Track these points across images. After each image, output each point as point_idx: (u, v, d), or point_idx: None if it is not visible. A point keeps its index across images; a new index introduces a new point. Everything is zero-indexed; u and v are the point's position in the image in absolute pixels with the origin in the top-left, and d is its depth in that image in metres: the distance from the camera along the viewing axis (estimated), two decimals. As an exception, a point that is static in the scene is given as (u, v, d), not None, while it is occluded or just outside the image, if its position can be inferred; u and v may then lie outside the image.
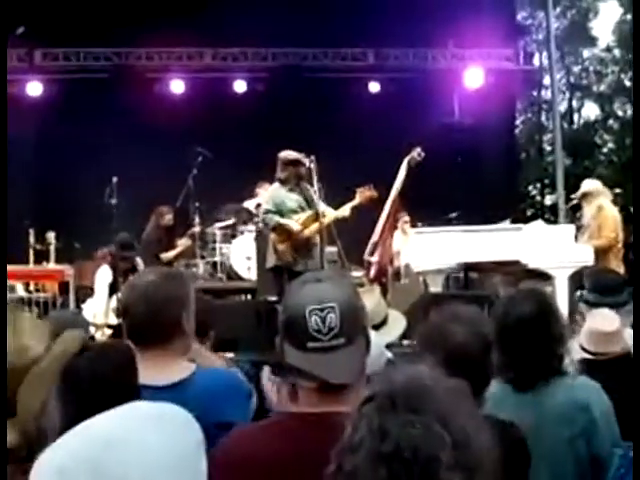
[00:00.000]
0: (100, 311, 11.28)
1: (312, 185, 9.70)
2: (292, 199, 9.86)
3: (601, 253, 10.74)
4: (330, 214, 9.79)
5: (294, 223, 9.75)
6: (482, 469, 1.73)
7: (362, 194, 9.88)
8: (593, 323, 4.85)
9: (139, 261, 11.43)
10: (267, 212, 10.04)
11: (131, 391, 2.63)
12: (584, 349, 4.74)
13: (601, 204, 11.36)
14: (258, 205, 13.89)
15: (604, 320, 4.84)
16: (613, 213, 11.42)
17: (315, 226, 9.67)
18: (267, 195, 10.46)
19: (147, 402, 1.82)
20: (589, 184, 11.90)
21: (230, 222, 14.36)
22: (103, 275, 11.64)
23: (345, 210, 9.82)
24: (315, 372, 2.47)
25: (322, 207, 9.74)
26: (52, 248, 13.45)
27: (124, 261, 11.24)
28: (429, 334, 3.34)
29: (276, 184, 10.05)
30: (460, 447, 1.71)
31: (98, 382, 2.50)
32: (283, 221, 9.80)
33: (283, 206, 9.86)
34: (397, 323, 4.45)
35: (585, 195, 11.68)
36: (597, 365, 4.62)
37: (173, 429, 1.80)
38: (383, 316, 4.77)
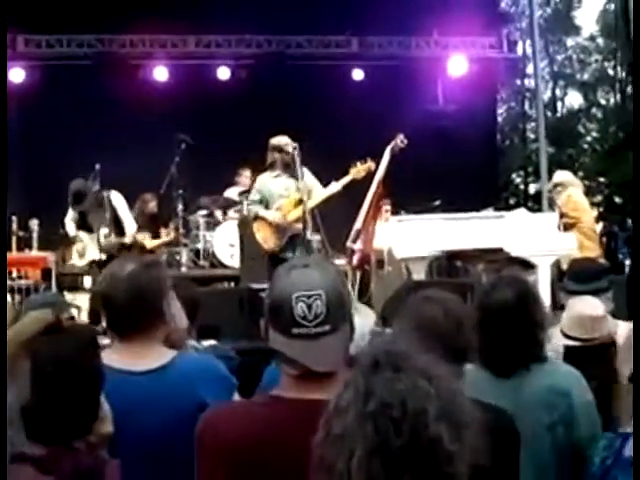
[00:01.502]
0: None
1: (295, 172, 9.73)
2: (279, 185, 9.92)
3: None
4: (318, 194, 9.82)
5: (272, 213, 9.85)
6: (467, 425, 1.77)
7: (357, 169, 9.92)
8: (578, 308, 4.81)
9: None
10: (250, 203, 10.25)
11: (94, 373, 2.63)
12: (568, 336, 4.72)
13: (570, 193, 11.60)
14: (242, 192, 13.93)
15: (588, 305, 4.84)
16: (580, 201, 11.77)
17: (298, 211, 9.70)
18: (255, 184, 10.48)
19: None
20: (560, 175, 12.24)
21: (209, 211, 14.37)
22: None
23: (336, 186, 9.85)
24: (298, 359, 2.49)
25: (318, 190, 9.81)
26: (35, 235, 13.43)
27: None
28: (402, 313, 3.37)
29: (265, 172, 10.12)
30: (445, 400, 1.76)
31: (61, 364, 2.49)
32: (262, 212, 9.90)
33: (269, 193, 9.93)
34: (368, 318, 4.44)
35: (556, 185, 11.95)
36: (583, 351, 4.61)
37: None
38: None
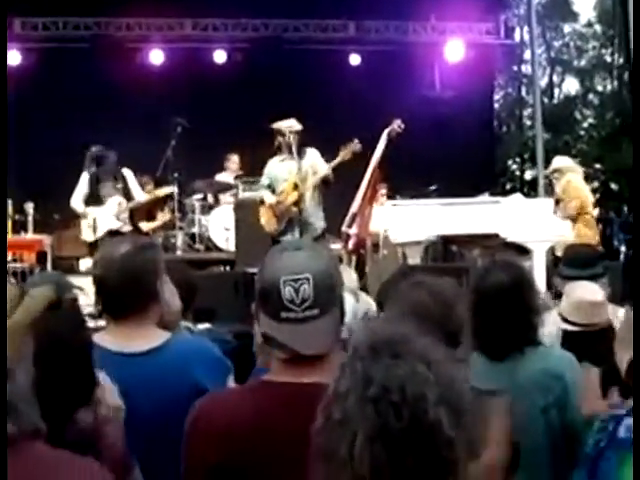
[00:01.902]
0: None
1: (303, 155, 9.85)
2: (283, 168, 10.09)
3: (570, 223, 10.94)
4: (312, 178, 9.87)
5: (270, 196, 10.05)
6: (466, 409, 1.78)
7: (344, 150, 9.97)
8: (578, 294, 4.79)
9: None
10: (259, 187, 10.57)
11: (85, 347, 2.65)
12: (568, 321, 4.71)
13: (569, 179, 11.60)
14: (237, 177, 13.97)
15: (587, 291, 4.83)
16: (580, 187, 11.71)
17: (296, 193, 9.79)
18: (265, 168, 10.58)
19: None
20: (559, 161, 12.21)
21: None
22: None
23: (327, 167, 9.91)
24: (287, 343, 2.50)
25: (320, 169, 9.88)
26: (30, 219, 13.41)
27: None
28: (392, 298, 3.38)
29: (275, 156, 10.30)
30: (444, 385, 1.76)
31: (57, 342, 2.50)
32: (265, 197, 10.13)
33: (274, 177, 10.16)
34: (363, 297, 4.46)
35: (555, 171, 11.95)
36: (583, 336, 4.60)
37: None
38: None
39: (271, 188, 10.13)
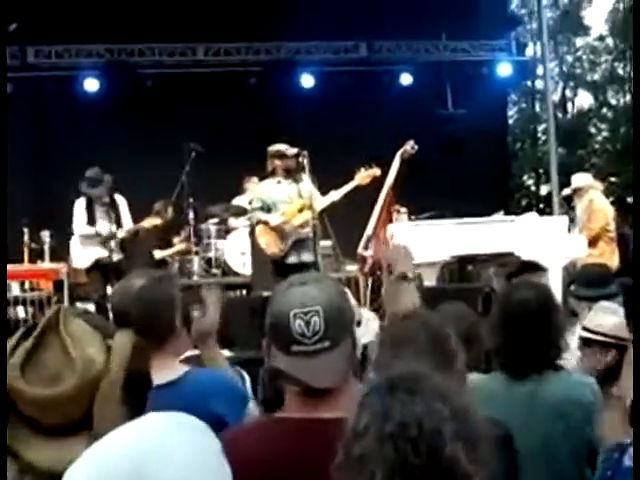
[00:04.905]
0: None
1: (302, 178, 9.77)
2: (281, 191, 9.91)
3: (591, 243, 10.89)
4: (321, 201, 9.81)
5: (273, 216, 9.87)
6: (481, 441, 1.80)
7: (361, 175, 9.93)
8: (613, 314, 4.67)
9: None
10: (252, 210, 10.28)
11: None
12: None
13: (592, 198, 11.62)
14: (251, 201, 13.96)
15: (617, 310, 4.74)
16: (603, 205, 11.67)
17: (303, 216, 9.71)
18: (256, 192, 10.52)
19: (163, 412, 1.83)
20: (579, 179, 12.11)
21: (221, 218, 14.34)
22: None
23: (337, 194, 9.85)
24: (299, 376, 2.48)
25: (318, 198, 9.80)
26: (47, 247, 13.45)
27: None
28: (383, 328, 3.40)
29: (266, 179, 10.14)
30: (460, 420, 1.78)
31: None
32: (263, 217, 9.92)
33: (270, 200, 9.94)
34: (371, 323, 4.45)
35: (576, 190, 11.89)
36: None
37: (197, 437, 1.81)
38: (356, 319, 4.78)
39: (264, 211, 9.95)
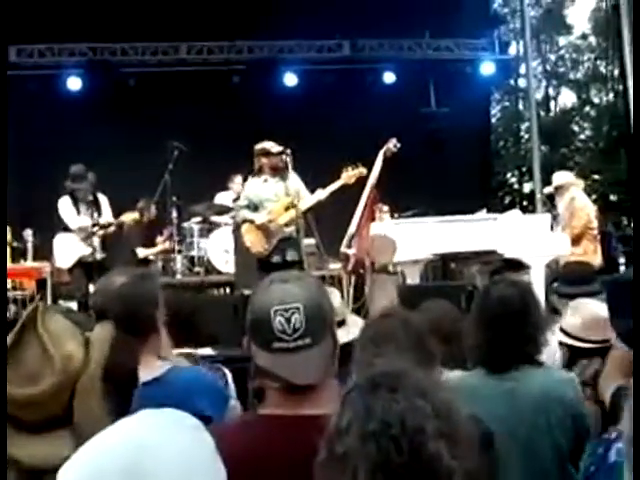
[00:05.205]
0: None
1: (285, 175, 9.76)
2: (268, 190, 9.88)
3: (575, 242, 10.91)
4: (307, 200, 9.81)
5: (260, 216, 9.83)
6: (463, 439, 1.79)
7: (348, 174, 9.92)
8: (591, 311, 4.64)
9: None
10: (238, 208, 10.27)
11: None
12: (580, 338, 4.61)
13: (573, 195, 11.62)
14: (235, 199, 13.92)
15: (599, 308, 4.72)
16: (584, 203, 11.69)
17: (289, 214, 9.71)
18: (243, 190, 10.51)
19: (156, 409, 1.83)
20: (560, 177, 12.11)
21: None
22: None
23: (323, 192, 9.84)
24: (279, 373, 2.48)
25: (306, 196, 9.81)
26: (29, 246, 13.40)
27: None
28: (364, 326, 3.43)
29: (251, 177, 10.13)
30: (442, 417, 1.78)
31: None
32: (249, 215, 9.89)
33: (257, 198, 9.90)
34: (355, 325, 4.43)
35: (557, 188, 11.91)
36: (599, 353, 4.48)
37: (192, 434, 1.81)
38: (343, 316, 4.78)
39: (251, 209, 9.91)
